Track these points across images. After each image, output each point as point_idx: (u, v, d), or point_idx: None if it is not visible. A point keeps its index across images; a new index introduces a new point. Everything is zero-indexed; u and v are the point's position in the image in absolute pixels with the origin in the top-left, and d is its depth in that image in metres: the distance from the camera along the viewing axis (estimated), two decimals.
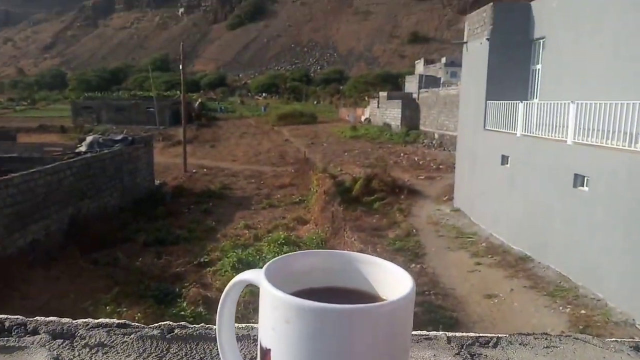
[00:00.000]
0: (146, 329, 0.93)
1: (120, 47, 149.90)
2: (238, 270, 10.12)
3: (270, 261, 0.56)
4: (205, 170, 28.57)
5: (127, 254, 13.36)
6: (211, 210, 19.29)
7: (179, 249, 14.18)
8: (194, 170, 28.08)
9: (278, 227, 16.20)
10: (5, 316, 0.95)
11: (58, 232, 14.25)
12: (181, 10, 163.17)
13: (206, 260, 13.19)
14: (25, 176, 12.89)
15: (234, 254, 12.94)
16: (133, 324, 0.95)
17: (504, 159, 14.59)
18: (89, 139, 19.56)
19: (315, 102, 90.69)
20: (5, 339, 0.90)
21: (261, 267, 0.53)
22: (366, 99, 65.23)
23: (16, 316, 0.96)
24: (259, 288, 0.52)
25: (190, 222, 17.40)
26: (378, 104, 49.46)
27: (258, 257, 12.70)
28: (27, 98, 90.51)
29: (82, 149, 18.61)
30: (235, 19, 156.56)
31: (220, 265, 12.59)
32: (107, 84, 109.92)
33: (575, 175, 10.91)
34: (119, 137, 20.59)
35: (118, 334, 0.91)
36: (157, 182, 23.95)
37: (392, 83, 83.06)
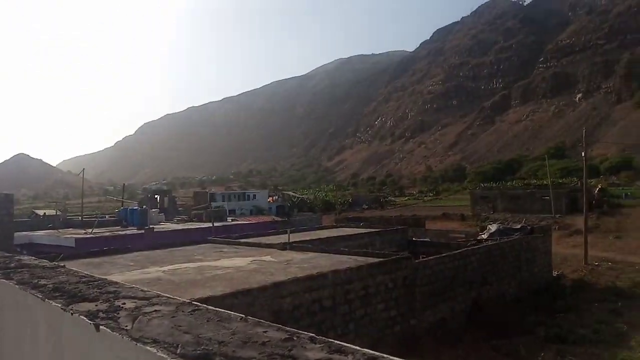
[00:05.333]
0: None
1: (515, 140, 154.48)
2: None
3: None
4: (609, 264, 25.56)
5: (526, 347, 13.15)
6: (621, 311, 16.94)
7: (583, 351, 12.96)
8: (596, 263, 25.51)
9: None
10: None
11: (461, 313, 15.43)
12: (579, 96, 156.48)
13: None
14: (438, 259, 14.80)
15: None
16: None
17: None
18: (491, 227, 20.73)
19: None
20: None
21: None
22: None
23: None
24: None
25: (595, 321, 15.72)
26: None
27: None
28: (433, 190, 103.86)
29: (484, 236, 19.88)
30: None
31: None
32: (501, 174, 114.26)
33: None
34: (518, 226, 21.03)
35: None
36: (554, 273, 22.92)
37: None
